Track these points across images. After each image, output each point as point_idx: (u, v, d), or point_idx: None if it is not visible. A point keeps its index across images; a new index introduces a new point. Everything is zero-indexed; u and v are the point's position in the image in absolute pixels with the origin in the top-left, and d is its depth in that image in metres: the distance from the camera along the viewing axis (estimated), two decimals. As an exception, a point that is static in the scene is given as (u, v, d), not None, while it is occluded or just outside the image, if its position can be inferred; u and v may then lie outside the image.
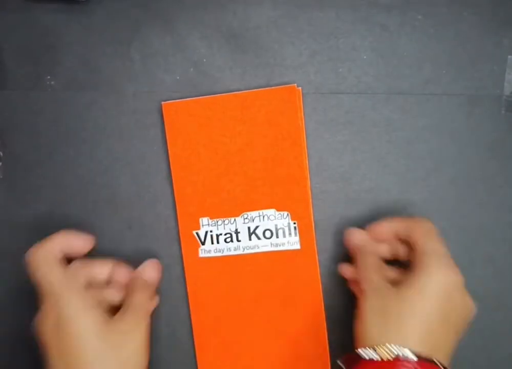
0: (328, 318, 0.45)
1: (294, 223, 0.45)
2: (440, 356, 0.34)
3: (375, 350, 0.33)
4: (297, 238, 0.45)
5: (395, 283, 0.37)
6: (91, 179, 0.46)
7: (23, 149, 0.46)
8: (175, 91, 0.45)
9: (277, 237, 0.45)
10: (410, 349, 0.33)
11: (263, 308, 0.45)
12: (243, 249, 0.45)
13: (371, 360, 0.33)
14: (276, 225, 0.45)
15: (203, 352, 0.46)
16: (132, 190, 0.46)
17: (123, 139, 0.46)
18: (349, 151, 0.45)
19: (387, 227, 0.41)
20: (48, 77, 0.45)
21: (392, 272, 0.41)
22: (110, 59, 0.45)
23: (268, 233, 0.45)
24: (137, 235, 0.46)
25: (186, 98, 0.45)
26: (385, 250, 0.41)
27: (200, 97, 0.45)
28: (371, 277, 0.38)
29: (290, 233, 0.45)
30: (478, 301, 0.45)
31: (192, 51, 0.45)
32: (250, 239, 0.45)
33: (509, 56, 0.44)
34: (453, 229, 0.45)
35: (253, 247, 0.45)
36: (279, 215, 0.45)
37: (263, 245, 0.45)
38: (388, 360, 0.33)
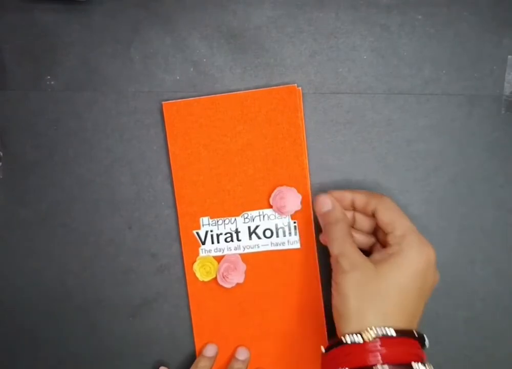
0: (328, 317, 0.45)
1: (294, 223, 0.45)
2: (414, 325, 0.37)
3: (361, 335, 0.34)
4: (297, 237, 0.44)
5: (370, 257, 0.38)
6: (91, 179, 0.46)
7: (23, 149, 0.46)
8: (175, 91, 0.45)
9: (277, 236, 0.45)
10: (391, 327, 0.34)
11: (263, 307, 0.45)
12: (244, 249, 0.45)
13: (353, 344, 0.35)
14: (276, 225, 0.45)
15: (203, 352, 0.46)
16: (132, 190, 0.46)
17: (123, 139, 0.45)
18: (349, 151, 0.45)
19: (348, 195, 0.41)
20: (48, 77, 0.45)
21: (363, 238, 0.41)
22: (110, 59, 0.45)
23: (268, 233, 0.45)
24: (137, 235, 0.46)
25: (186, 98, 0.45)
26: (351, 218, 0.42)
27: (200, 97, 0.44)
28: (347, 251, 0.37)
29: (290, 233, 0.45)
30: (478, 301, 0.46)
31: (192, 51, 0.45)
32: (250, 238, 0.45)
33: (509, 56, 0.44)
34: (453, 229, 0.45)
35: (253, 247, 0.45)
36: (279, 214, 0.45)
37: (264, 245, 0.45)
38: (371, 341, 0.34)
